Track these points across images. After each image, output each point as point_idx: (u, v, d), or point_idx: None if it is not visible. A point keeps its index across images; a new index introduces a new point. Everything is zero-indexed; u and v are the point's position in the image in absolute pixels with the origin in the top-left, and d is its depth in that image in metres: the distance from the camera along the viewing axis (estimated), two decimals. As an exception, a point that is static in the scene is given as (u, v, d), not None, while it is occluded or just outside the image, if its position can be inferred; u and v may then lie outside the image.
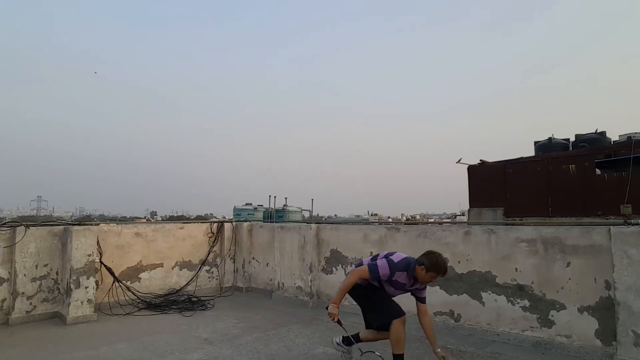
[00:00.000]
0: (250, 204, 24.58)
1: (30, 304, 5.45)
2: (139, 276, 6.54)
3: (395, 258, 3.59)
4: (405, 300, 3.69)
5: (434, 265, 3.41)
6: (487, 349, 4.23)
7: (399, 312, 3.54)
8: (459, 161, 14.93)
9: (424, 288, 3.68)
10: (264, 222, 9.63)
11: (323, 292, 6.34)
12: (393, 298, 3.66)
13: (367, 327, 3.84)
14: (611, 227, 3.85)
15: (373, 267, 3.54)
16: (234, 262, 7.60)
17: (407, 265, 3.53)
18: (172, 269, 6.92)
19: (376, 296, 3.67)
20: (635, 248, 3.65)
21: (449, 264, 4.94)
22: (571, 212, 11.74)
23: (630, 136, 12.97)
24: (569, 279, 4.10)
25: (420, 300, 3.66)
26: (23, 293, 5.40)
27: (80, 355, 4.17)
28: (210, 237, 7.46)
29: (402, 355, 3.50)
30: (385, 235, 5.65)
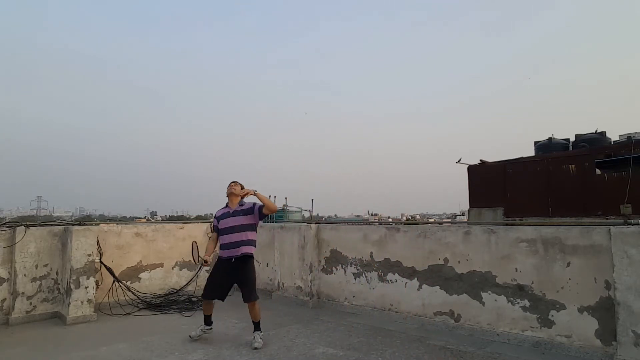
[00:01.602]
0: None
1: (30, 304, 5.45)
2: (139, 276, 6.54)
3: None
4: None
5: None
6: (487, 349, 4.22)
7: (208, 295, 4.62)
8: (459, 161, 14.92)
9: (246, 207, 4.71)
10: (263, 222, 9.62)
11: (323, 292, 6.33)
12: (235, 226, 4.61)
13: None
14: (611, 227, 3.85)
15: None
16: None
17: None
18: (172, 269, 6.92)
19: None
20: (635, 248, 3.65)
21: (449, 264, 4.96)
22: (571, 212, 11.73)
23: (630, 136, 12.97)
24: (569, 279, 4.10)
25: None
26: (23, 293, 5.40)
27: (80, 355, 4.16)
28: (210, 237, 7.45)
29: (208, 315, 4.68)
30: (385, 235, 5.64)
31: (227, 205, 4.79)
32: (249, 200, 4.81)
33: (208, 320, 4.66)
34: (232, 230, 4.59)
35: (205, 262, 4.59)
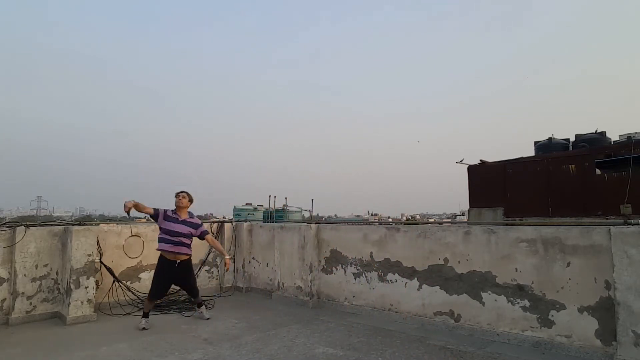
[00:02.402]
0: (250, 204, 24.56)
1: (30, 304, 5.45)
2: (139, 276, 6.54)
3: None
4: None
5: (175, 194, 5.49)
6: (487, 349, 4.22)
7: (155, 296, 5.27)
8: (461, 161, 14.90)
9: (194, 222, 5.48)
10: (264, 222, 9.63)
11: (323, 292, 6.33)
12: (177, 231, 5.28)
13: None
14: (611, 227, 3.85)
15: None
16: (234, 262, 7.60)
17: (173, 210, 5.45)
18: (172, 269, 6.90)
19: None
20: (635, 248, 3.65)
21: (449, 264, 4.96)
22: (571, 212, 11.73)
23: (630, 136, 12.96)
24: (569, 279, 4.10)
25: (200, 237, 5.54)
26: (23, 293, 5.40)
27: (80, 355, 4.16)
28: (210, 237, 7.45)
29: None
30: (385, 235, 5.64)
31: (175, 212, 5.42)
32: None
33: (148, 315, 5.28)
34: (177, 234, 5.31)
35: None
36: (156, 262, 5.36)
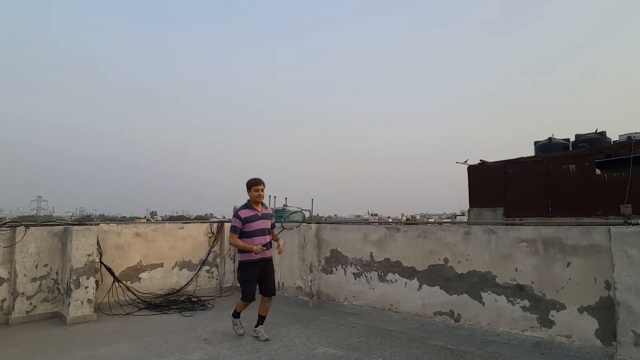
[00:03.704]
0: (250, 204, 24.46)
1: (30, 304, 5.45)
2: (139, 276, 6.54)
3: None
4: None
5: (248, 184, 4.73)
6: (487, 349, 4.22)
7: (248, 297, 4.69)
8: (465, 162, 14.88)
9: (270, 214, 4.86)
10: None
11: (323, 292, 6.33)
12: (261, 229, 4.67)
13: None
14: (611, 227, 3.85)
15: (231, 226, 4.64)
16: (234, 262, 7.59)
17: (244, 204, 4.75)
18: (172, 269, 6.92)
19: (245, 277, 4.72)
20: (635, 248, 3.65)
21: (449, 264, 4.96)
22: (571, 212, 11.73)
23: (630, 136, 12.96)
24: (569, 279, 4.10)
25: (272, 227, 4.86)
26: (23, 293, 5.40)
27: (80, 355, 4.16)
28: (210, 237, 7.46)
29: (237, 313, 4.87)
30: (385, 235, 5.64)
31: (254, 203, 4.74)
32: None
33: (239, 315, 4.91)
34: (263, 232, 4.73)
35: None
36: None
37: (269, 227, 4.78)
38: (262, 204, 4.81)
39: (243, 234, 4.61)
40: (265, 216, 4.74)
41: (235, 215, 4.66)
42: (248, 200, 4.75)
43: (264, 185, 4.72)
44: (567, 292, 4.10)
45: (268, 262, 4.77)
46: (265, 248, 4.60)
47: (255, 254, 4.54)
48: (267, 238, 4.70)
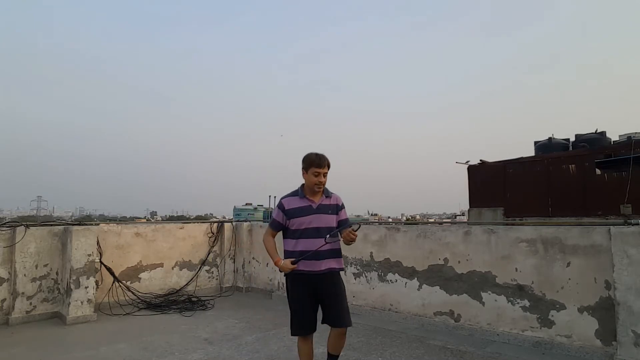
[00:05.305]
0: (250, 204, 24.58)
1: (30, 304, 5.45)
2: (139, 276, 6.54)
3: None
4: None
5: (305, 161, 3.13)
6: (487, 349, 4.22)
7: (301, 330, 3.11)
8: (466, 162, 14.88)
9: (337, 206, 3.23)
10: (264, 222, 9.62)
11: (323, 292, 6.32)
12: (315, 228, 3.09)
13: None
14: (611, 227, 3.85)
15: (270, 220, 3.33)
16: (234, 262, 7.60)
17: (294, 190, 3.24)
18: (172, 269, 6.92)
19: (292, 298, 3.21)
20: (635, 248, 3.65)
21: (449, 264, 4.96)
22: (571, 212, 11.73)
23: (630, 136, 12.96)
24: (569, 279, 4.10)
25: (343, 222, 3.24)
26: (23, 293, 5.40)
27: (80, 355, 4.16)
28: (210, 237, 7.46)
29: None
30: (385, 235, 5.64)
31: (310, 192, 3.18)
32: None
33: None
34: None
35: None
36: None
37: (333, 224, 3.16)
38: (325, 190, 3.20)
39: (287, 233, 3.20)
40: (324, 209, 3.14)
41: (279, 204, 3.23)
42: (302, 185, 3.21)
43: (328, 168, 3.14)
44: (567, 292, 4.10)
45: (329, 276, 3.11)
46: (296, 266, 3.01)
47: (281, 271, 3.10)
48: (324, 242, 3.03)
